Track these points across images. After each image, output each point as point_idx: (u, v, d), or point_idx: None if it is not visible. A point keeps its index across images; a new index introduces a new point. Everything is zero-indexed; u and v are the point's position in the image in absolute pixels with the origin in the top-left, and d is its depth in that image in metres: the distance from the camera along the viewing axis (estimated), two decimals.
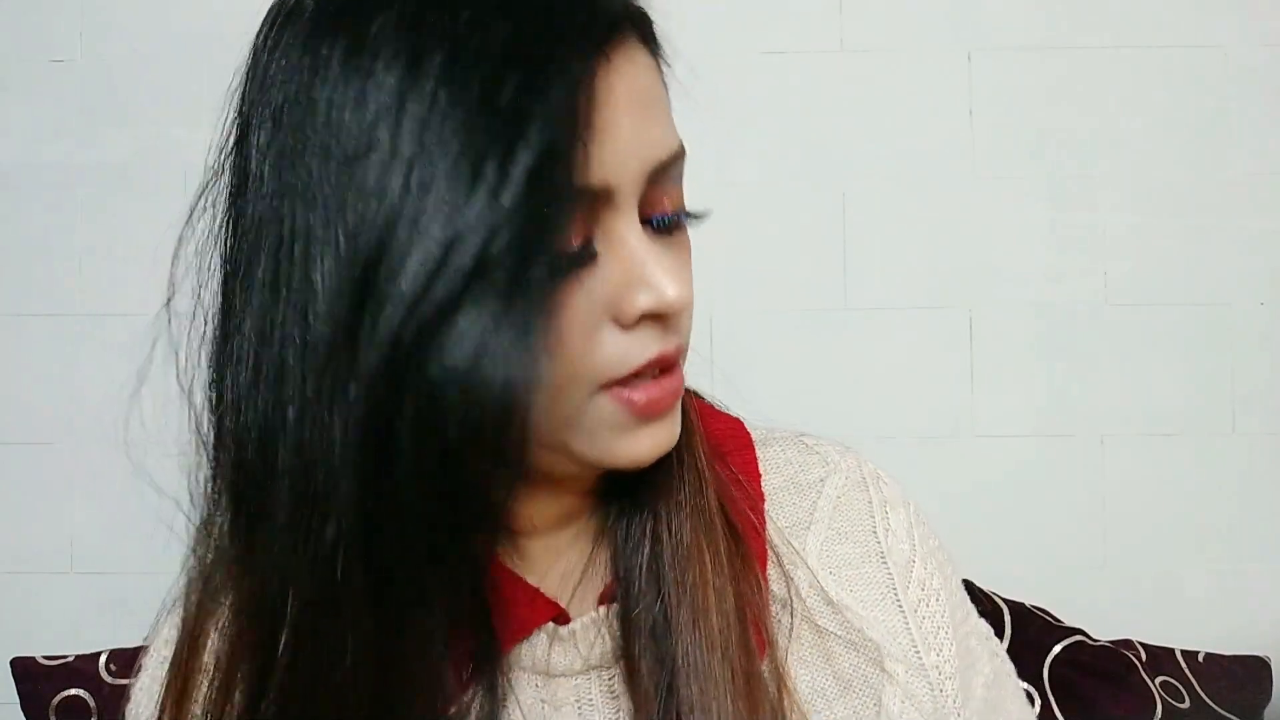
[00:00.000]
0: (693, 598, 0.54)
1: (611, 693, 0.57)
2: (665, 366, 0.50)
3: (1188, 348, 1.39)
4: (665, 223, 0.51)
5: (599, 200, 0.47)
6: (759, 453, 0.64)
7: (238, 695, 0.51)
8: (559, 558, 0.59)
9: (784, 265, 1.43)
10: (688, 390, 0.63)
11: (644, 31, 0.52)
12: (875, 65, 1.44)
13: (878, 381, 1.42)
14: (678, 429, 0.54)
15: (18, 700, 1.24)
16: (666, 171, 0.50)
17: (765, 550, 0.59)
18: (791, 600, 0.59)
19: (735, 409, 0.67)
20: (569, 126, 0.44)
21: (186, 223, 0.50)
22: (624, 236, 0.48)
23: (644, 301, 0.48)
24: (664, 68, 0.55)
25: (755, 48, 1.46)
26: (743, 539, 0.59)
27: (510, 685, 0.56)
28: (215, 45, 0.72)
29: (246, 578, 0.50)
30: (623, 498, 0.58)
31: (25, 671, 1.24)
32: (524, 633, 0.56)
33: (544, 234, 0.43)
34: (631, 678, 0.55)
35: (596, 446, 0.51)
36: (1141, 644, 1.25)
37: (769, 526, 0.61)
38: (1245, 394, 1.40)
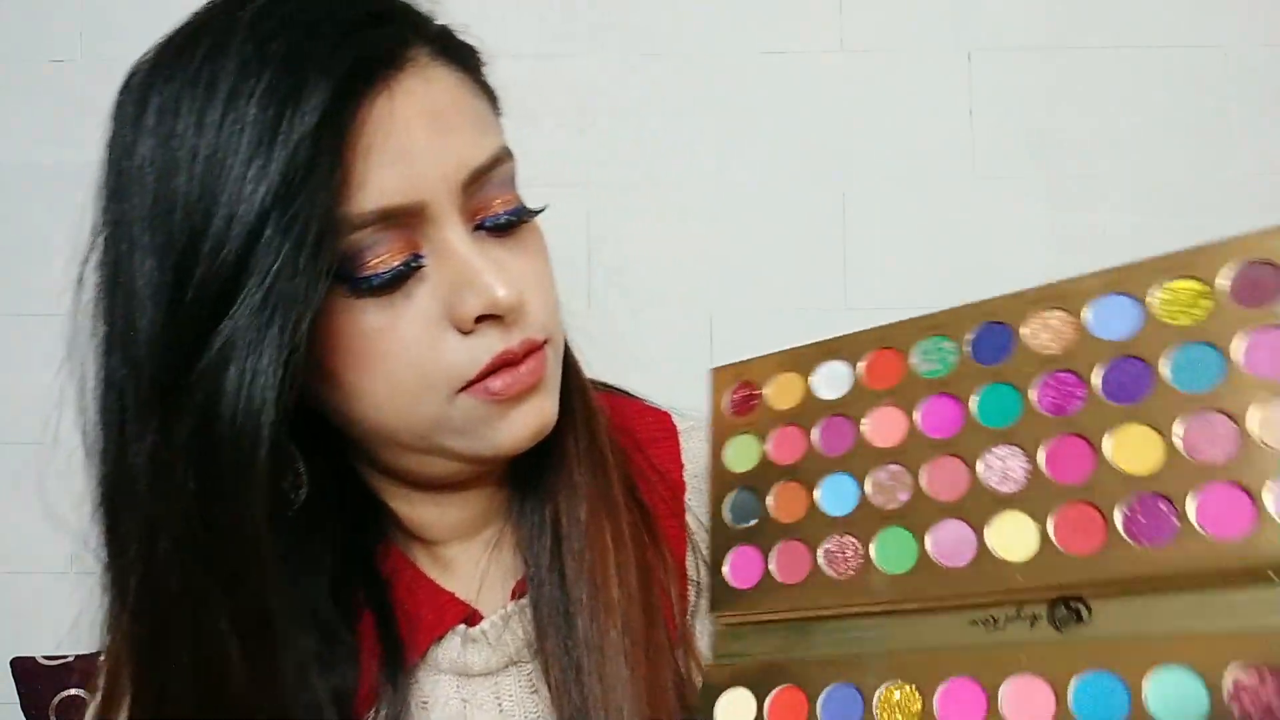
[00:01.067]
0: (590, 574, 0.56)
1: (531, 687, 0.58)
2: (512, 361, 0.52)
3: None
4: (498, 224, 0.52)
5: (410, 216, 0.49)
6: (682, 442, 0.65)
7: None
8: (478, 561, 0.61)
9: (784, 265, 1.43)
10: (604, 385, 0.66)
11: (443, 46, 0.54)
12: (875, 65, 1.44)
13: None
14: (551, 408, 0.55)
15: (18, 700, 1.25)
16: (485, 177, 0.52)
17: (683, 535, 0.60)
18: (700, 583, 0.59)
19: None
20: (324, 160, 0.46)
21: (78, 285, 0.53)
22: (450, 245, 0.50)
23: (473, 304, 0.50)
24: (477, 73, 0.56)
25: (755, 48, 1.46)
26: (653, 517, 0.60)
27: (428, 689, 0.58)
28: None
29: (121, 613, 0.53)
30: (524, 490, 0.60)
31: (25, 671, 1.24)
32: (434, 636, 0.58)
33: (301, 262, 0.45)
34: (545, 668, 0.56)
35: (475, 441, 0.53)
36: None
37: (687, 515, 0.62)
38: None
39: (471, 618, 0.59)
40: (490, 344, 0.51)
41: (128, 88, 0.52)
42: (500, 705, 0.58)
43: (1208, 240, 0.42)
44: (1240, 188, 1.39)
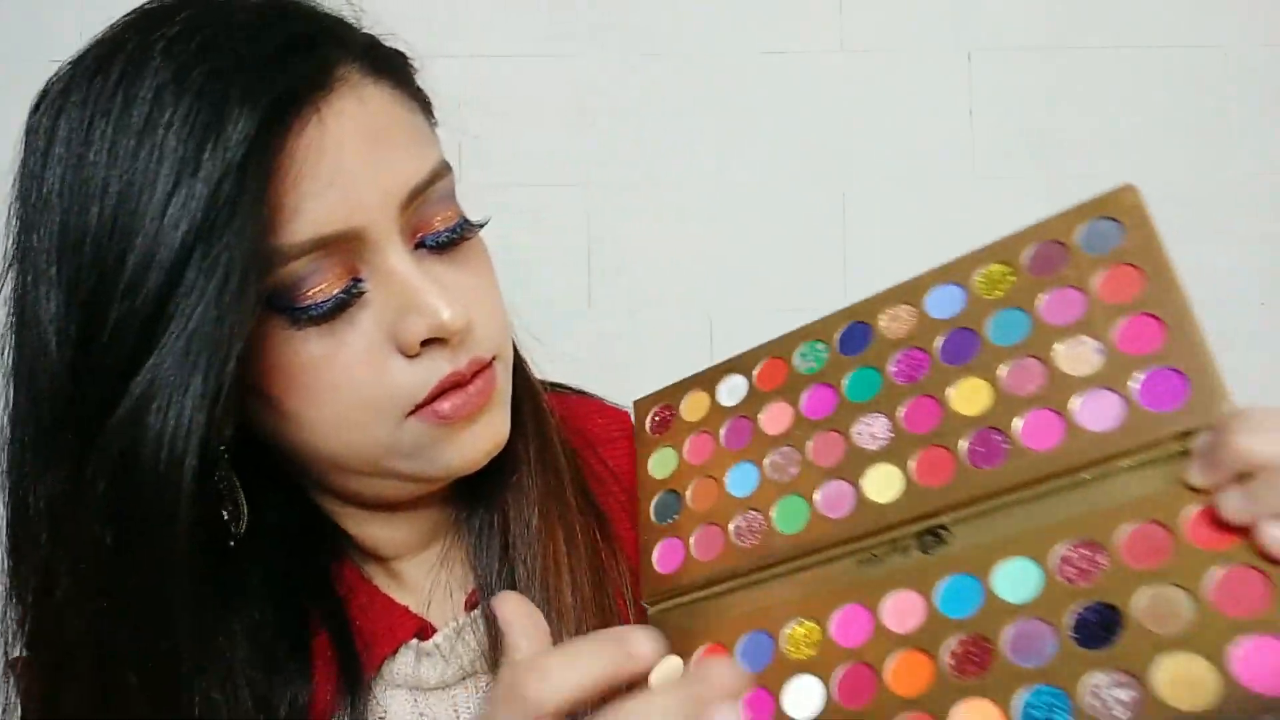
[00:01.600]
0: (542, 580, 0.56)
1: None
2: (461, 382, 0.51)
3: None
4: (440, 242, 0.51)
5: (348, 242, 0.48)
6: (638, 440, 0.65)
7: None
8: (430, 575, 0.60)
9: (783, 265, 1.43)
10: (557, 385, 0.66)
11: (373, 60, 0.52)
12: (875, 65, 1.44)
13: None
14: (503, 424, 0.55)
15: (18, 700, 1.24)
16: (424, 194, 0.51)
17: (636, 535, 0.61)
18: None
19: None
20: (249, 195, 0.44)
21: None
22: (391, 267, 0.49)
23: (418, 328, 0.49)
24: (409, 83, 0.55)
25: (755, 48, 1.46)
26: (606, 519, 0.61)
27: (385, 704, 0.58)
28: None
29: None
30: (473, 501, 0.59)
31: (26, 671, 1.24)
32: (387, 650, 0.58)
33: (226, 303, 0.44)
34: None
35: (426, 464, 0.53)
36: None
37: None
38: (1245, 394, 1.40)
39: (424, 631, 0.59)
40: (437, 366, 0.50)
41: (38, 107, 0.50)
42: (458, 717, 0.58)
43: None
44: (1240, 188, 1.39)
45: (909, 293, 0.54)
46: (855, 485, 0.51)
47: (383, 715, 0.58)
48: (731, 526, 0.54)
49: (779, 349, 0.58)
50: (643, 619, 0.57)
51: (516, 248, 1.62)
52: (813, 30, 1.44)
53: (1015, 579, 0.45)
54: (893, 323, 0.54)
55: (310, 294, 0.48)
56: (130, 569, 0.47)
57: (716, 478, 0.56)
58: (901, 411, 0.51)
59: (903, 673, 0.45)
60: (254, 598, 0.55)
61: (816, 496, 0.52)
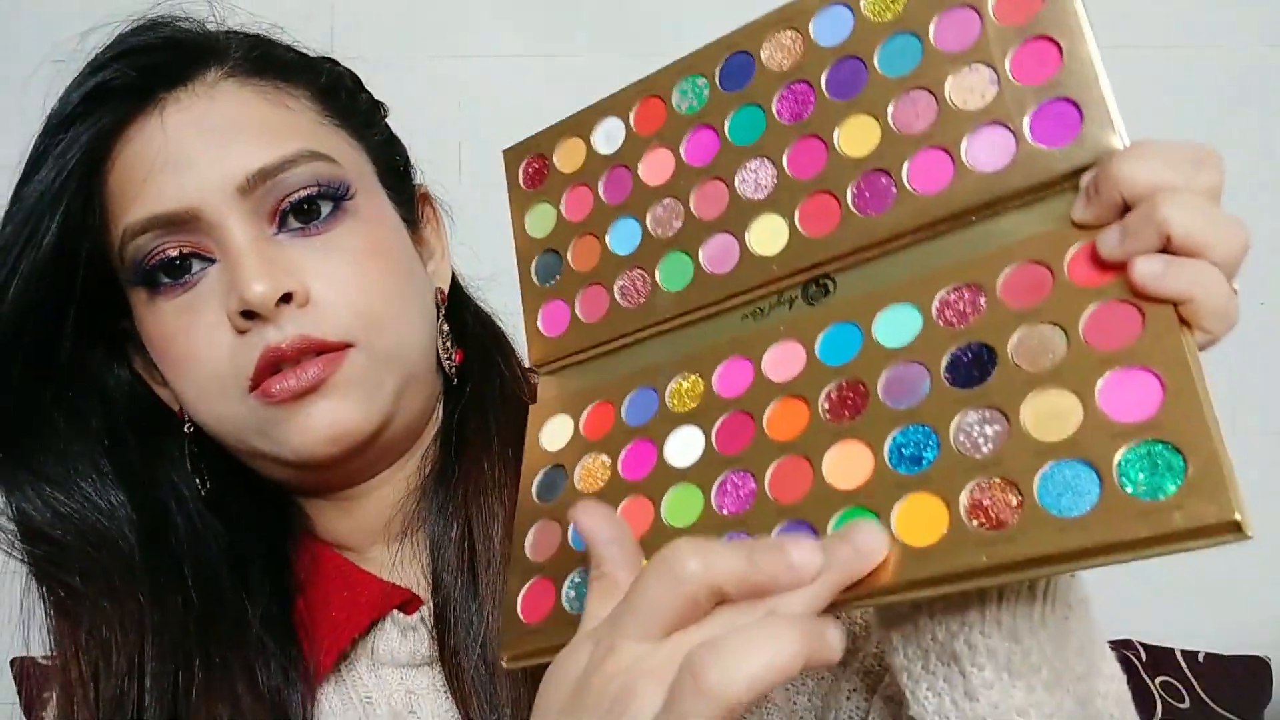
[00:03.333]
0: (500, 570, 0.56)
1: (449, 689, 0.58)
2: (281, 358, 0.52)
3: None
4: (300, 221, 0.55)
5: (187, 222, 0.53)
6: None
7: None
8: (394, 563, 0.60)
9: None
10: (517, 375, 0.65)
11: (245, 64, 0.57)
12: None
13: None
14: (350, 413, 0.54)
15: (17, 700, 1.24)
16: (272, 179, 0.54)
17: None
18: None
19: None
20: (72, 182, 0.53)
21: None
22: (230, 244, 0.53)
23: (231, 302, 0.52)
24: (291, 85, 0.59)
25: None
26: None
27: (370, 685, 0.58)
28: None
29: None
30: (439, 490, 0.59)
31: (25, 671, 1.24)
32: (374, 616, 0.58)
33: (40, 268, 0.53)
34: (448, 674, 0.56)
35: (273, 445, 0.55)
36: (1141, 644, 1.25)
37: None
38: (1244, 394, 1.40)
39: (409, 604, 0.59)
40: (261, 339, 0.52)
41: None
42: (446, 694, 0.58)
43: None
44: (1240, 187, 1.39)
45: (792, 17, 0.50)
46: (740, 239, 0.49)
47: (369, 696, 0.58)
48: (616, 286, 0.53)
49: (655, 86, 0.54)
50: None
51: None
52: None
53: (896, 325, 0.44)
54: (777, 52, 0.50)
55: (151, 264, 0.54)
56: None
57: (597, 235, 0.54)
58: (786, 155, 0.48)
59: (779, 419, 0.45)
60: (232, 577, 0.58)
61: (701, 253, 0.50)
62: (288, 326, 0.52)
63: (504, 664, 0.48)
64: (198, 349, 0.54)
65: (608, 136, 0.55)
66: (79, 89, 0.54)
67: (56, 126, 0.54)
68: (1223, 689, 1.25)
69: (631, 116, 0.55)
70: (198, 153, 0.53)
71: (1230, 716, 1.24)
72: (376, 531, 0.61)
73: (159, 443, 0.60)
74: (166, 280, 0.54)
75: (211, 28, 0.60)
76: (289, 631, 0.57)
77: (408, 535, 0.60)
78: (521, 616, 0.48)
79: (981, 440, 0.39)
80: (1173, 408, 0.36)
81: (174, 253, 0.53)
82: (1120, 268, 0.39)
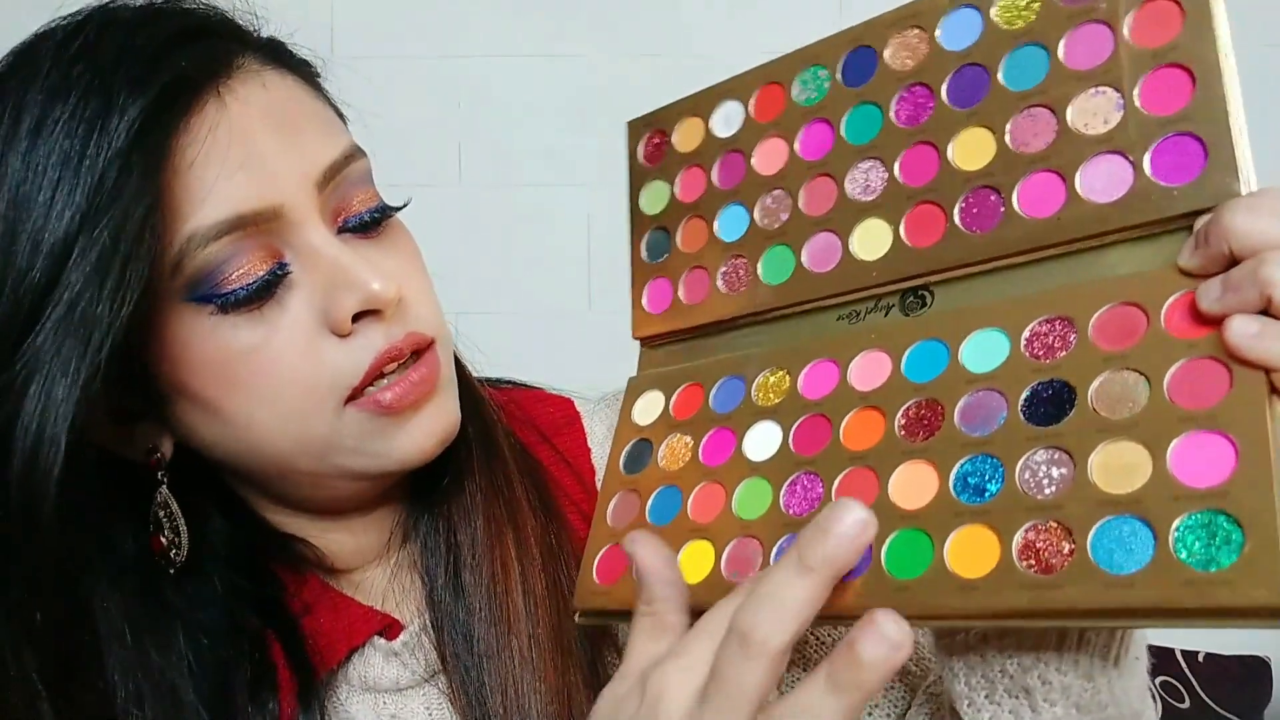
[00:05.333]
0: (490, 585, 0.55)
1: (452, 701, 0.57)
2: (398, 357, 0.50)
3: None
4: (363, 223, 0.51)
5: (266, 222, 0.47)
6: (586, 425, 0.64)
7: None
8: (386, 581, 0.59)
9: None
10: (498, 380, 0.64)
11: (274, 54, 0.52)
12: None
13: None
14: (454, 406, 0.53)
15: None
16: (341, 174, 0.50)
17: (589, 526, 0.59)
18: None
19: None
20: (133, 179, 0.44)
21: None
22: (315, 247, 0.49)
23: (348, 302, 0.48)
24: (314, 82, 0.55)
25: (755, 48, 1.45)
26: (563, 520, 0.59)
27: (354, 710, 0.56)
28: None
29: None
30: (420, 508, 0.58)
31: None
32: (353, 644, 0.56)
33: (108, 286, 0.44)
34: (449, 684, 0.56)
35: (371, 458, 0.51)
36: None
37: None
38: None
39: (390, 629, 0.58)
40: (371, 342, 0.49)
41: None
42: (430, 716, 0.57)
43: None
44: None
45: (921, 14, 0.48)
46: (843, 239, 0.49)
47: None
48: (719, 272, 0.54)
49: (778, 72, 0.54)
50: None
51: (516, 248, 1.62)
52: (813, 30, 1.43)
53: (983, 349, 0.44)
54: (900, 50, 0.49)
55: (234, 278, 0.47)
56: (22, 570, 0.47)
57: (706, 219, 0.55)
58: (899, 160, 0.48)
59: (856, 428, 0.46)
60: (207, 614, 0.54)
61: (804, 250, 0.50)
62: (395, 324, 0.50)
63: (576, 619, 0.51)
64: (284, 361, 0.48)
65: (726, 119, 0.56)
66: (112, 75, 0.46)
67: (92, 118, 0.45)
68: (1223, 689, 1.25)
69: (751, 101, 0.55)
70: (269, 144, 0.48)
71: (1230, 716, 1.24)
72: (378, 550, 0.59)
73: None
74: (246, 294, 0.47)
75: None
76: (268, 674, 0.55)
77: (405, 545, 0.60)
78: (595, 578, 0.50)
79: (1046, 481, 0.39)
80: (1243, 479, 0.35)
81: (263, 271, 0.47)
82: (1216, 323, 0.37)
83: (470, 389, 0.60)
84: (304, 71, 0.54)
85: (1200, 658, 1.26)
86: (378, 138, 0.57)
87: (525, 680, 0.54)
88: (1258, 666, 1.27)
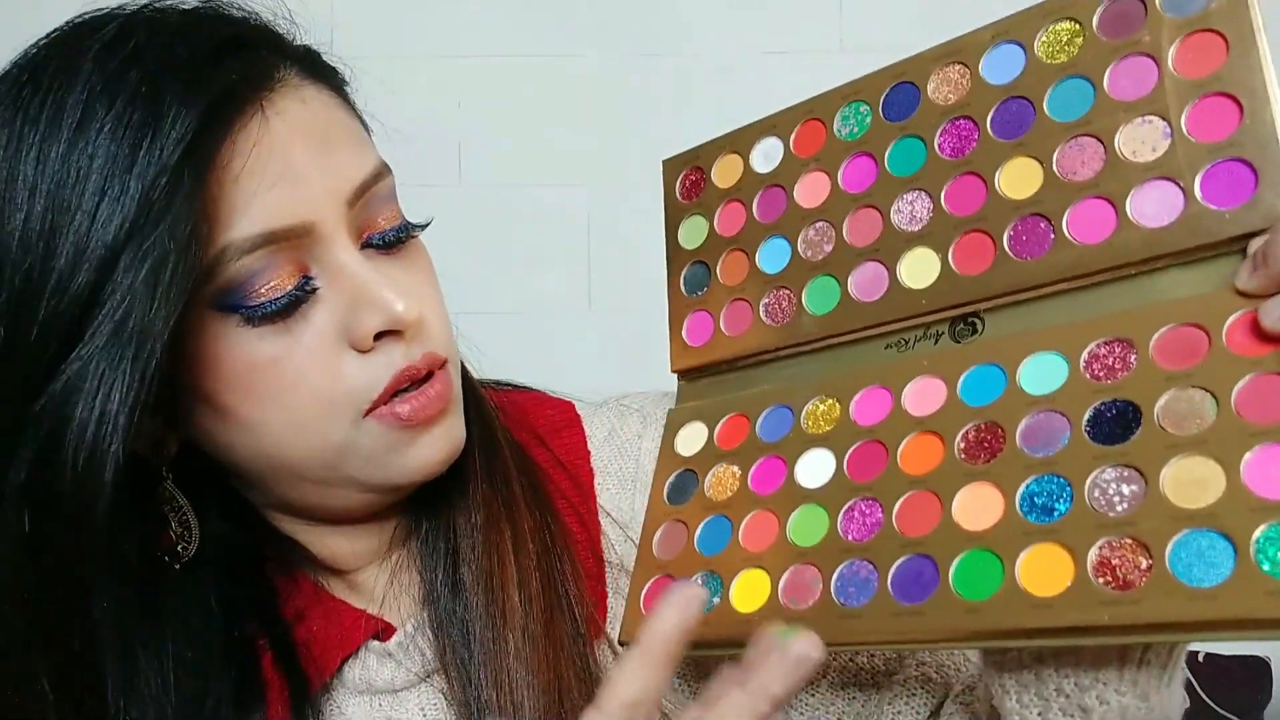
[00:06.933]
0: (488, 581, 0.56)
1: (449, 697, 0.57)
2: (415, 376, 0.51)
3: None
4: (386, 241, 0.52)
5: (298, 238, 0.48)
6: (587, 428, 0.64)
7: None
8: (384, 582, 0.59)
9: None
10: (499, 382, 0.65)
11: (311, 65, 0.53)
12: (875, 65, 1.44)
13: None
14: (461, 426, 0.54)
15: None
16: (370, 193, 0.51)
17: (586, 530, 0.61)
18: (623, 564, 0.60)
19: None
20: (184, 191, 0.45)
21: None
22: (341, 264, 0.49)
23: (372, 321, 0.49)
24: (344, 93, 0.55)
25: (755, 48, 1.45)
26: (559, 518, 0.60)
27: (349, 713, 0.56)
28: None
29: None
30: (423, 508, 0.58)
31: None
32: (346, 651, 0.56)
33: (158, 296, 0.44)
34: (447, 681, 0.56)
35: (385, 469, 0.52)
36: None
37: (601, 498, 0.62)
38: None
39: (384, 632, 0.58)
40: (391, 360, 0.50)
41: None
42: (425, 716, 0.57)
43: None
44: None
45: (963, 50, 0.49)
46: (890, 269, 0.49)
47: None
48: (761, 304, 0.54)
49: (818, 108, 0.55)
50: (592, 611, 0.57)
51: (516, 247, 1.62)
52: (813, 30, 1.44)
53: (1042, 372, 0.44)
54: (942, 86, 0.50)
55: (263, 290, 0.48)
56: (48, 573, 0.47)
57: (747, 252, 0.55)
58: (945, 190, 0.48)
59: (913, 453, 0.46)
60: (196, 619, 0.54)
61: (850, 280, 0.51)
62: (414, 344, 0.51)
63: (621, 651, 0.51)
64: (305, 374, 0.49)
65: (766, 155, 0.56)
66: (160, 85, 0.46)
67: (140, 126, 0.45)
68: (1223, 689, 1.25)
69: (792, 137, 0.55)
70: (306, 162, 0.49)
71: (1230, 716, 1.24)
72: (377, 551, 0.60)
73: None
74: (275, 309, 0.48)
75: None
76: (258, 678, 0.55)
77: (405, 544, 0.60)
78: (643, 608, 0.51)
79: (1117, 499, 0.39)
80: None
81: (291, 286, 0.48)
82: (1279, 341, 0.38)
83: (471, 389, 0.60)
84: (335, 83, 0.55)
85: (1200, 658, 1.26)
86: (377, 137, 0.57)
87: (519, 675, 0.54)
88: (1258, 666, 1.27)
